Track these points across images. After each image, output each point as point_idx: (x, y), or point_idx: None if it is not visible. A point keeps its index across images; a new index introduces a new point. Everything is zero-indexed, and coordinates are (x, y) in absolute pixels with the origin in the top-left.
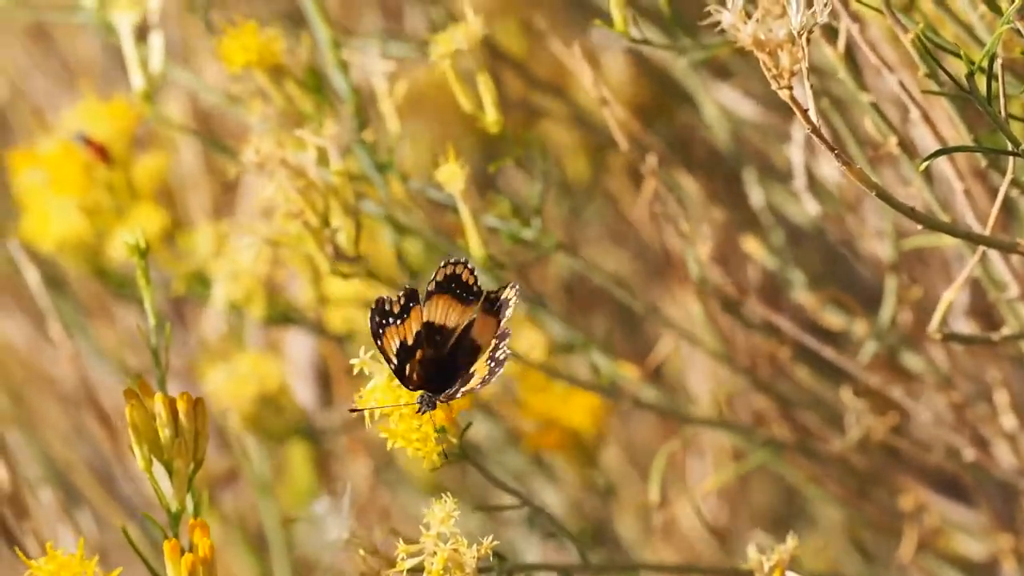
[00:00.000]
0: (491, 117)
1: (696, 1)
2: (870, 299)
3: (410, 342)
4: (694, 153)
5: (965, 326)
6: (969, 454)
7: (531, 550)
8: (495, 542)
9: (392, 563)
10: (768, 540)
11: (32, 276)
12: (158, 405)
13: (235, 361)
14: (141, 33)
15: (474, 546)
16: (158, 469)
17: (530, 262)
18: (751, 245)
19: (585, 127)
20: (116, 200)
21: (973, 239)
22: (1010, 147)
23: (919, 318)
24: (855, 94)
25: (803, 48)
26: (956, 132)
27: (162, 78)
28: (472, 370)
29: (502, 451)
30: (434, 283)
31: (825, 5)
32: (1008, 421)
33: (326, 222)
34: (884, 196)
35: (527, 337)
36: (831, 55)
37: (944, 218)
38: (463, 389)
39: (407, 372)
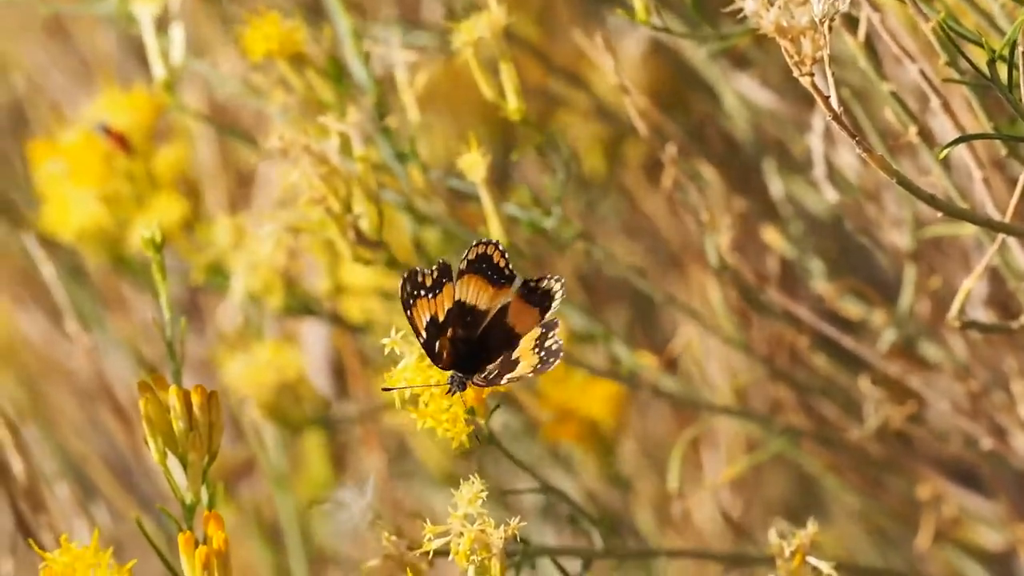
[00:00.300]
0: (513, 105)
1: None
2: (888, 288)
3: (440, 318)
4: (712, 143)
5: (983, 315)
6: (986, 443)
7: (545, 541)
8: (522, 523)
9: (416, 546)
10: (785, 528)
11: (48, 270)
12: (172, 398)
13: (253, 351)
14: (161, 24)
15: (501, 527)
16: (173, 462)
17: (548, 252)
18: (770, 235)
19: (603, 118)
20: (136, 190)
21: (992, 227)
22: None
23: (937, 307)
24: (875, 83)
25: (825, 35)
26: (976, 121)
27: (182, 69)
28: (515, 356)
29: (520, 441)
30: (466, 262)
31: None
32: None
33: (348, 208)
34: (905, 183)
35: None
36: (851, 44)
37: (963, 206)
38: (510, 375)
39: (437, 349)
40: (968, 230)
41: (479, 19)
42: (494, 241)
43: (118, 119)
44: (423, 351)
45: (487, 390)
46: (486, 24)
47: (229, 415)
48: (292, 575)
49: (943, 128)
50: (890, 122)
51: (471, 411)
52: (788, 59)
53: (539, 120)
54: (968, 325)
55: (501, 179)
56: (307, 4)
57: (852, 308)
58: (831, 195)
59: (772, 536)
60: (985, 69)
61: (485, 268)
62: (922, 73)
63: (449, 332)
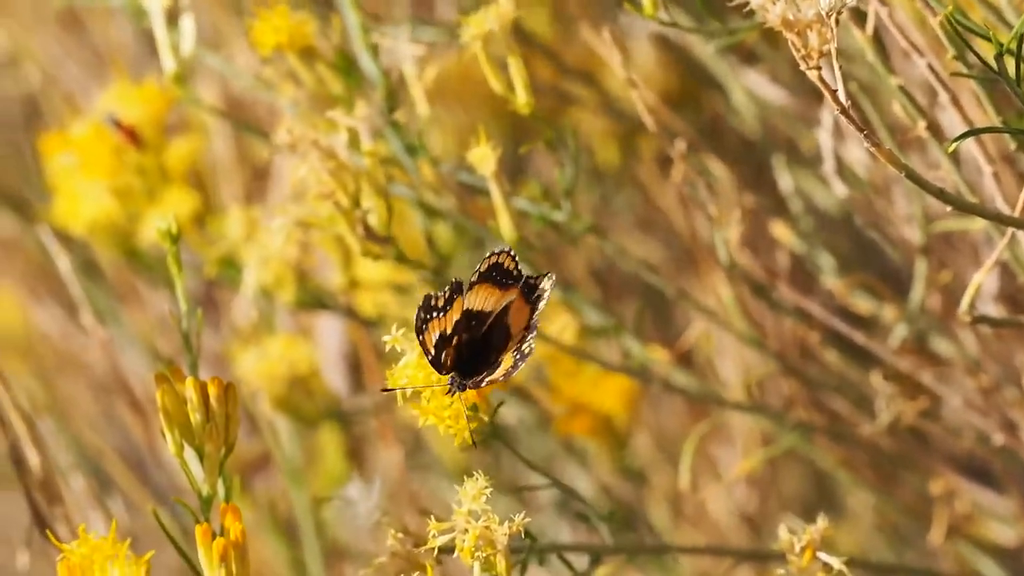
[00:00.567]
0: (522, 99)
1: None
2: (899, 283)
3: (448, 331)
4: (722, 139)
5: (994, 310)
6: (999, 439)
7: (560, 535)
8: (527, 519)
9: (424, 543)
10: (798, 523)
11: (63, 263)
12: (189, 389)
13: (266, 344)
14: (172, 17)
15: (505, 523)
16: (189, 454)
17: (560, 246)
18: (780, 230)
19: (614, 113)
20: (147, 183)
21: (1003, 221)
22: None
23: (948, 302)
24: (883, 77)
25: (832, 29)
26: (984, 115)
27: (193, 62)
28: (500, 358)
29: (532, 435)
30: (477, 274)
31: None
32: None
33: (357, 203)
34: (914, 177)
35: (559, 320)
36: (859, 38)
37: (973, 201)
38: (488, 379)
39: (442, 359)
40: (978, 225)
41: (488, 13)
42: (507, 249)
43: (129, 112)
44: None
45: (488, 388)
46: (495, 18)
47: (243, 409)
48: (307, 569)
49: (952, 123)
50: (898, 117)
51: (474, 407)
52: (795, 53)
53: (550, 116)
54: (979, 320)
55: (511, 173)
56: None
57: (863, 303)
58: (840, 190)
59: (782, 532)
60: (993, 63)
61: (495, 275)
62: (930, 67)
63: (455, 340)
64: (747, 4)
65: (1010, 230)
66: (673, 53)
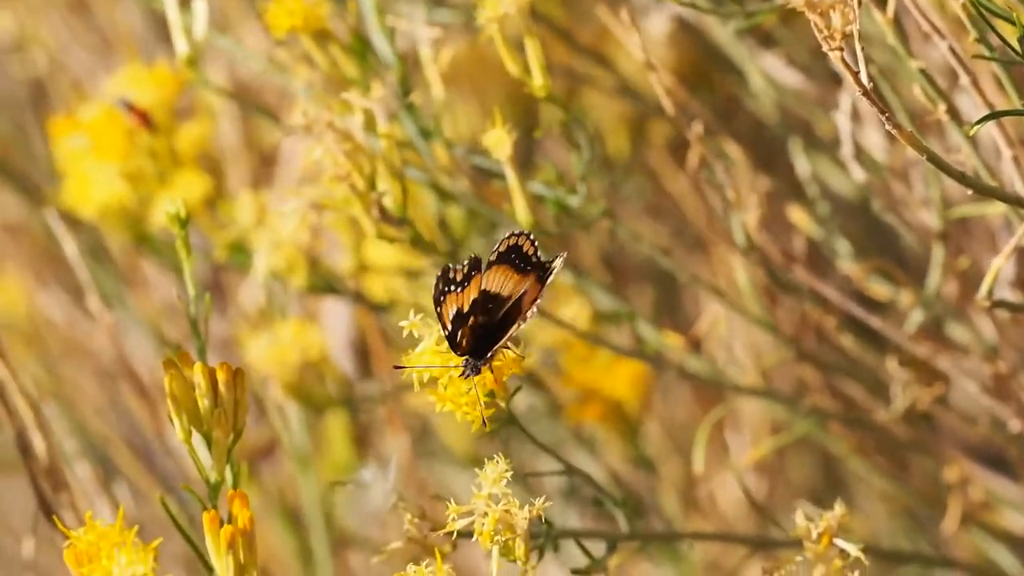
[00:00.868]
0: (538, 82)
1: None
2: (916, 269)
3: (465, 309)
4: (738, 122)
5: (1011, 295)
6: (1015, 425)
7: (568, 523)
8: (548, 503)
9: (439, 527)
10: (812, 510)
11: (70, 247)
12: (197, 375)
13: (276, 330)
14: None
15: (526, 508)
16: (197, 440)
17: (571, 231)
18: (796, 215)
19: (628, 96)
20: (158, 167)
21: (1023, 204)
22: None
23: (965, 288)
24: (903, 60)
25: (855, 10)
26: (1005, 98)
27: (205, 45)
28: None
29: (542, 422)
30: (496, 254)
31: None
32: None
33: (372, 185)
34: (935, 160)
35: (571, 306)
36: (880, 20)
37: (992, 184)
38: (494, 349)
39: (459, 338)
40: (996, 209)
41: None
42: (526, 232)
43: (140, 95)
44: (442, 336)
45: (506, 372)
46: (510, 0)
47: (252, 395)
48: (314, 556)
49: (971, 106)
50: (918, 100)
51: (491, 394)
52: (817, 34)
53: (564, 99)
54: (998, 305)
55: (525, 158)
56: None
57: (879, 288)
58: (858, 174)
59: (799, 518)
60: (1016, 45)
61: (514, 258)
62: (951, 50)
63: (471, 320)
64: None
65: None
66: (689, 35)
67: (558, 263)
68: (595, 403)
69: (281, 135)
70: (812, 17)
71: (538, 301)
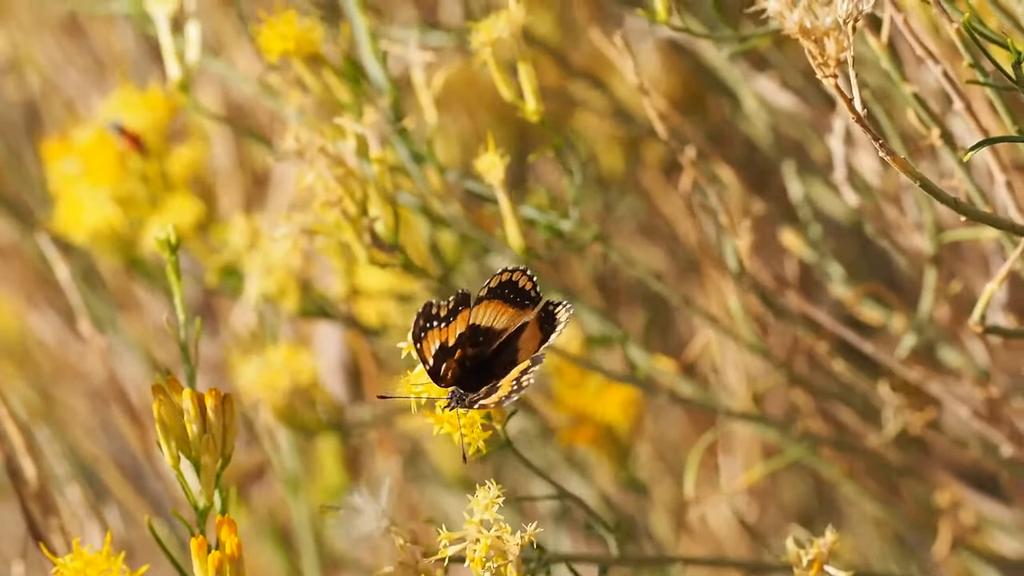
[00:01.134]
0: (531, 106)
1: None
2: (908, 293)
3: (451, 343)
4: (731, 145)
5: (1003, 320)
6: (1006, 450)
7: (560, 546)
8: (539, 529)
9: (430, 552)
10: (803, 535)
11: (62, 271)
12: (186, 401)
13: (266, 354)
14: (177, 23)
15: (517, 534)
16: (186, 466)
17: (564, 255)
18: (789, 239)
19: (621, 119)
20: (150, 190)
21: (1016, 230)
22: None
23: (957, 313)
24: (897, 85)
25: (849, 36)
26: (998, 123)
27: (197, 69)
28: (500, 383)
29: (535, 446)
30: (486, 289)
31: None
32: None
33: (364, 211)
34: (928, 186)
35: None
36: (874, 45)
37: (986, 210)
38: (481, 402)
39: (442, 372)
40: (988, 234)
41: (497, 19)
42: (522, 268)
43: (133, 118)
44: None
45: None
46: (504, 24)
47: (242, 418)
48: None
49: (965, 131)
50: (911, 124)
51: (488, 416)
52: (811, 61)
53: (557, 122)
54: (990, 330)
55: (519, 181)
56: (324, 3)
57: (871, 313)
58: (851, 198)
59: (790, 544)
60: (1010, 71)
61: (508, 293)
62: (945, 75)
63: (457, 353)
64: (762, 11)
65: (1023, 240)
66: (683, 58)
67: (563, 318)
68: (586, 427)
69: (276, 158)
70: (806, 44)
71: (536, 366)
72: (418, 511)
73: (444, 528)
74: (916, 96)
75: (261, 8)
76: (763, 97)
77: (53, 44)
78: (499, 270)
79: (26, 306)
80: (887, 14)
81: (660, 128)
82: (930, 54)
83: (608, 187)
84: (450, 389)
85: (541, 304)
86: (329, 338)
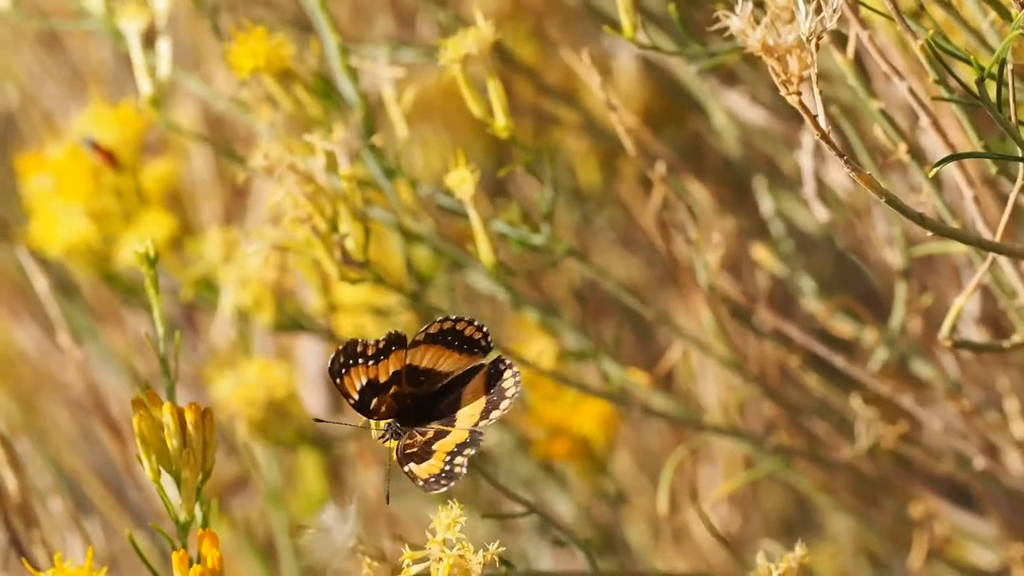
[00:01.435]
0: (501, 122)
1: (705, 8)
2: (880, 306)
3: (382, 380)
4: (703, 160)
5: (975, 334)
6: (979, 462)
7: (542, 558)
8: (501, 548)
9: (399, 570)
10: (778, 548)
11: (41, 283)
12: (166, 416)
13: (243, 368)
14: (149, 39)
15: (480, 552)
16: (166, 479)
17: (540, 269)
18: (761, 253)
19: (596, 134)
20: (124, 205)
21: (983, 246)
22: (1020, 153)
23: (929, 326)
24: (864, 101)
25: (812, 54)
26: (966, 138)
27: (170, 84)
28: (440, 444)
29: (512, 459)
30: (424, 334)
31: (834, 11)
32: (1018, 429)
33: (334, 227)
34: (894, 202)
35: (537, 344)
36: (840, 61)
37: (954, 225)
38: (411, 467)
39: (372, 406)
40: (959, 248)
41: (466, 36)
42: (468, 318)
43: (106, 133)
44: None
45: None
46: (473, 41)
47: (221, 431)
48: None
49: (933, 146)
50: (880, 139)
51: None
52: (775, 78)
53: (532, 137)
54: (960, 344)
55: (495, 193)
56: (296, 19)
57: (843, 327)
58: (821, 213)
59: (760, 559)
60: (974, 87)
61: (451, 340)
62: (911, 91)
63: (393, 389)
64: (727, 28)
65: (991, 254)
66: (654, 74)
67: (510, 388)
68: (563, 440)
69: (246, 175)
70: (769, 61)
71: (467, 452)
72: (399, 523)
73: (416, 543)
74: (883, 112)
75: (236, 23)
76: (733, 112)
77: (31, 56)
78: (439, 317)
79: (7, 318)
80: (853, 31)
81: (629, 145)
82: (896, 71)
83: (586, 200)
84: (386, 422)
85: (493, 356)
86: (311, 351)
